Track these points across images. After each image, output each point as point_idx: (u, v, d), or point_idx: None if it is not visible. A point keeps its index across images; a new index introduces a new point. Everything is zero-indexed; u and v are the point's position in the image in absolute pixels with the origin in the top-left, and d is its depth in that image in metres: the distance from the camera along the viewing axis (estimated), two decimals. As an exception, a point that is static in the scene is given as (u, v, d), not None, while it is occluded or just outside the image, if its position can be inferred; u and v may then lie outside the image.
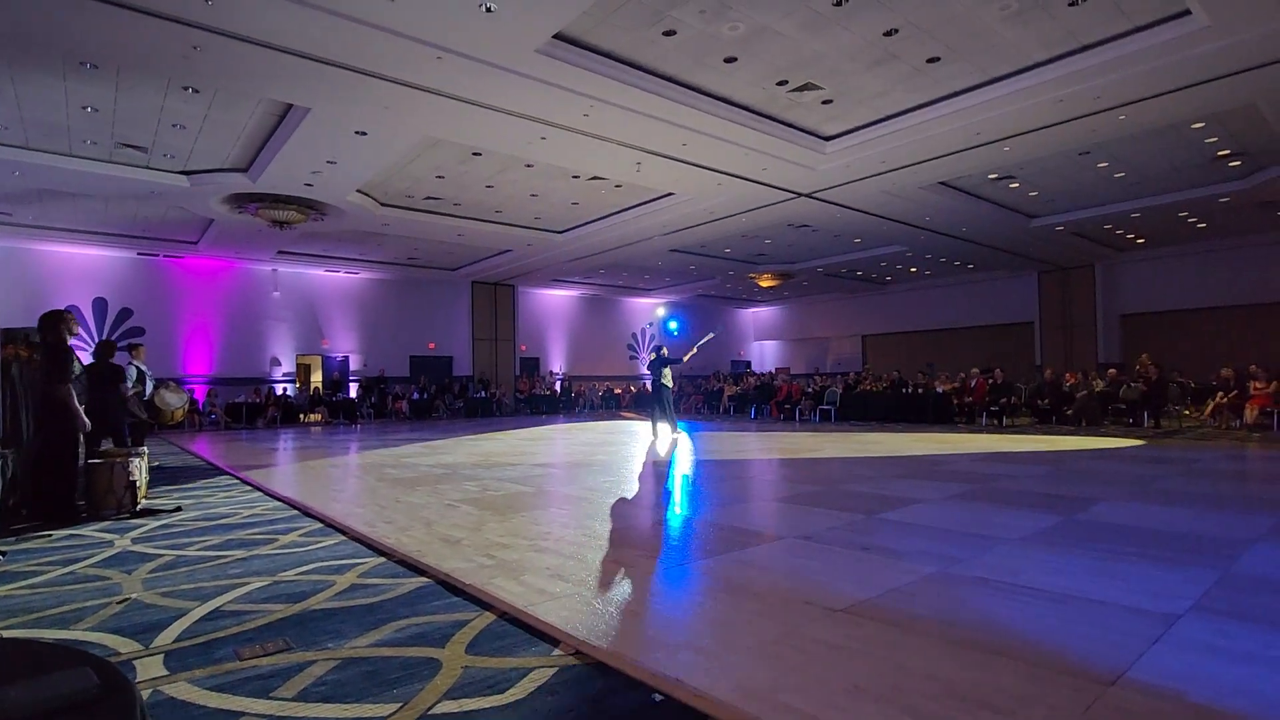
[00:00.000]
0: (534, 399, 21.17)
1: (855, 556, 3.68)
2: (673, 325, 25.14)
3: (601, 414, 20.56)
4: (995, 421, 13.68)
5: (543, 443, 11.16)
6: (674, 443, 10.57)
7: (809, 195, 12.73)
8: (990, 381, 14.41)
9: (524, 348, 22.95)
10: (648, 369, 12.41)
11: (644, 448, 9.99)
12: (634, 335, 26.31)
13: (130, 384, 7.44)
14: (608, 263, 18.99)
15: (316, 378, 19.81)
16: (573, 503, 5.50)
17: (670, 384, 11.72)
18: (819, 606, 2.88)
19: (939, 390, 15.03)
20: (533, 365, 23.22)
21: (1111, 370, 14.17)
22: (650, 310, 26.49)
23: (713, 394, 20.92)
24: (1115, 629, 2.60)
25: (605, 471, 7.35)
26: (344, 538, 4.40)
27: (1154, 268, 18.46)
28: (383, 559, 3.84)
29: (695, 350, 12.19)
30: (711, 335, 12.07)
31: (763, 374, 23.28)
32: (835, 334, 26.84)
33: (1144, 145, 10.75)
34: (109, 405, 6.93)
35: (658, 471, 7.47)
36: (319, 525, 4.81)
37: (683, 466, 7.99)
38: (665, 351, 11.89)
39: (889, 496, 5.48)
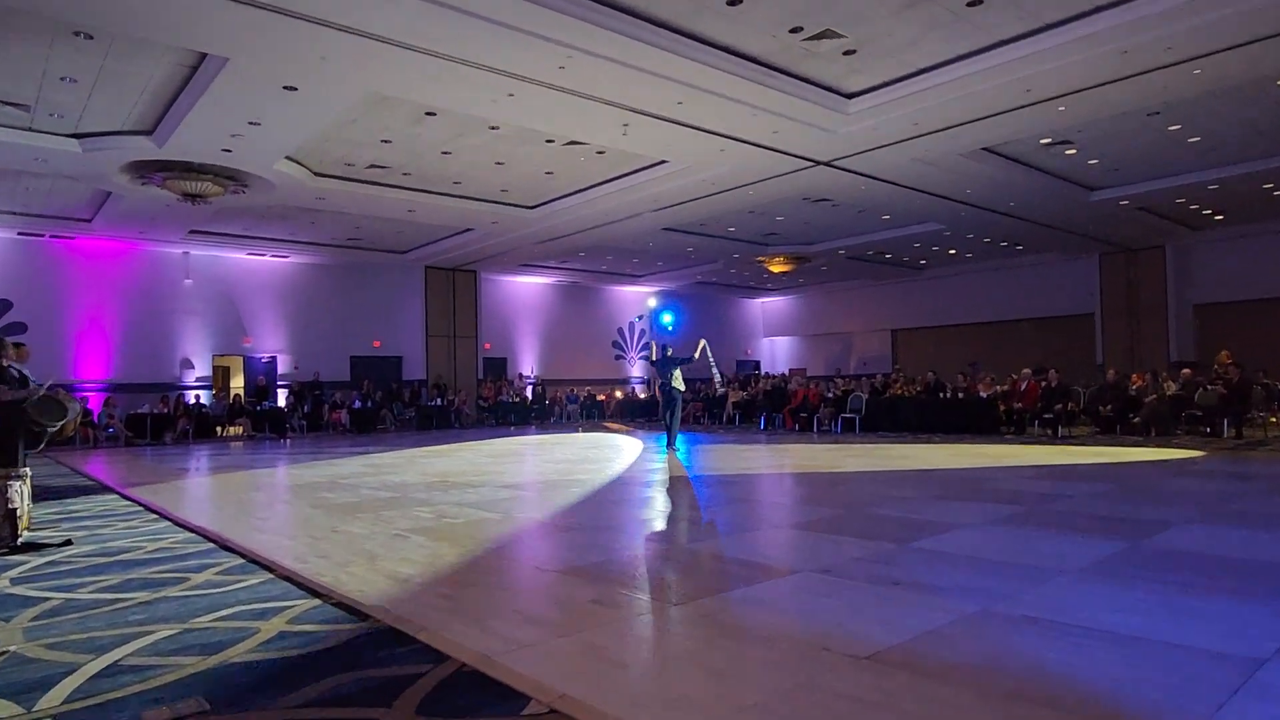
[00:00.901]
0: (500, 407, 21.15)
1: (882, 593, 3.71)
2: (667, 319, 25.13)
3: (582, 424, 20.52)
4: (1049, 431, 13.79)
5: (511, 459, 11.15)
6: (671, 460, 10.57)
7: (828, 164, 12.78)
8: (1043, 384, 14.52)
9: (488, 346, 22.91)
10: (654, 366, 12.25)
11: (633, 464, 9.99)
12: (621, 330, 26.32)
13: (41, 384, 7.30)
14: (589, 244, 18.97)
15: (237, 383, 19.66)
16: (547, 531, 5.49)
17: (682, 387, 11.67)
18: (839, 654, 2.90)
19: (982, 394, 15.14)
20: (499, 367, 23.19)
21: (1185, 370, 14.33)
22: (640, 301, 26.49)
23: (714, 401, 20.94)
24: (1189, 676, 2.63)
25: (586, 494, 7.34)
26: (270, 575, 4.38)
27: (1235, 248, 18.68)
28: (317, 601, 3.82)
29: (697, 356, 11.96)
30: (706, 346, 12.12)
31: (774, 376, 23.36)
32: (860, 328, 26.98)
33: (1223, 105, 10.87)
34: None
35: (650, 494, 7.48)
36: (239, 561, 4.78)
37: (680, 487, 8.00)
38: (671, 351, 11.82)
39: (923, 521, 5.51)
